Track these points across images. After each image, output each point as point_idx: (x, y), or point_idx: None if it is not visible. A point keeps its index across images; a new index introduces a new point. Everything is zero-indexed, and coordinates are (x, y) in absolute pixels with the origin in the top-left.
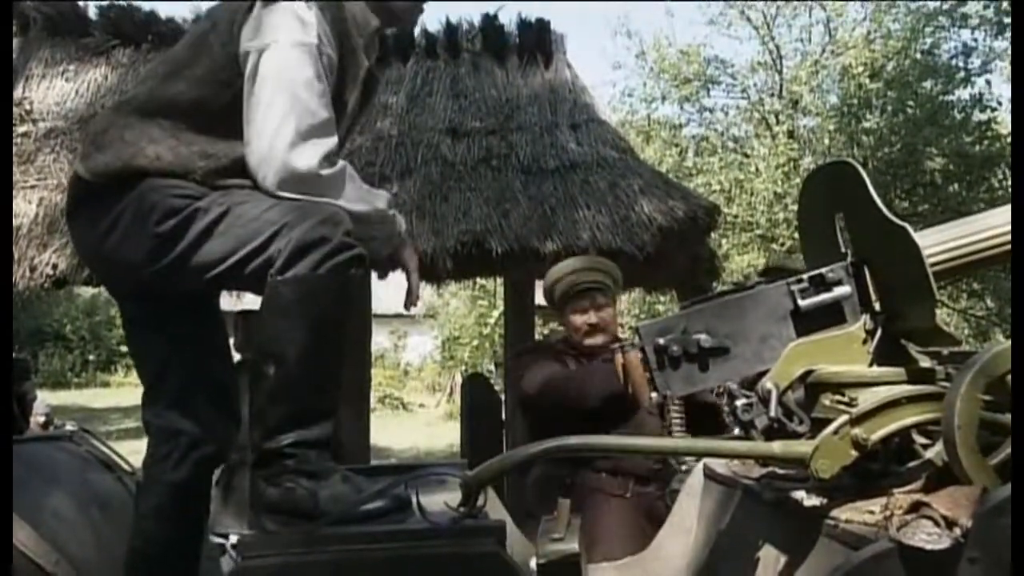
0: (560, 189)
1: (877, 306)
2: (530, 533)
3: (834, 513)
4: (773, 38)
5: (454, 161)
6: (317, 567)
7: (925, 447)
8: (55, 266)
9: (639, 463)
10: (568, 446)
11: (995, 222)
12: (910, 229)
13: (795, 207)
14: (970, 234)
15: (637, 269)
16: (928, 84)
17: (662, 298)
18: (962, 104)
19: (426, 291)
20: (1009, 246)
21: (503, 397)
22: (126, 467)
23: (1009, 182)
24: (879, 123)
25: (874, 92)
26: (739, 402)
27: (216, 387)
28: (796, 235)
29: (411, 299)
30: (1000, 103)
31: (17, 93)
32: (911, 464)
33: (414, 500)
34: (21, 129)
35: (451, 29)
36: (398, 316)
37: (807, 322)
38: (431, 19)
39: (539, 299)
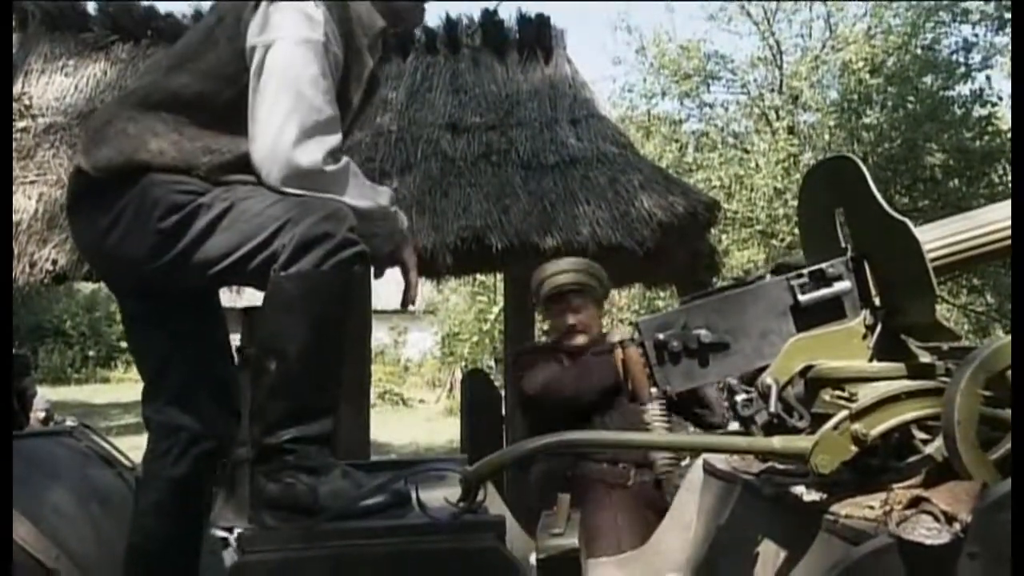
0: (560, 185)
1: (877, 301)
2: (532, 529)
3: (834, 508)
4: (773, 33)
5: (454, 156)
6: (317, 562)
7: (925, 442)
8: (55, 262)
9: (638, 452)
10: (567, 441)
11: (995, 217)
12: (910, 224)
13: (795, 203)
14: (970, 229)
15: (637, 265)
16: (928, 80)
17: (662, 294)
18: (962, 100)
19: (426, 287)
20: (1009, 241)
21: (503, 393)
22: (126, 463)
23: (1009, 177)
24: (879, 119)
25: (874, 88)
26: (739, 397)
27: (216, 383)
28: (796, 231)
29: (408, 297)
30: (1000, 99)
31: (16, 88)
32: (911, 459)
33: (414, 496)
34: (20, 124)
35: (451, 24)
36: (398, 312)
37: (807, 317)
38: (431, 15)
39: None
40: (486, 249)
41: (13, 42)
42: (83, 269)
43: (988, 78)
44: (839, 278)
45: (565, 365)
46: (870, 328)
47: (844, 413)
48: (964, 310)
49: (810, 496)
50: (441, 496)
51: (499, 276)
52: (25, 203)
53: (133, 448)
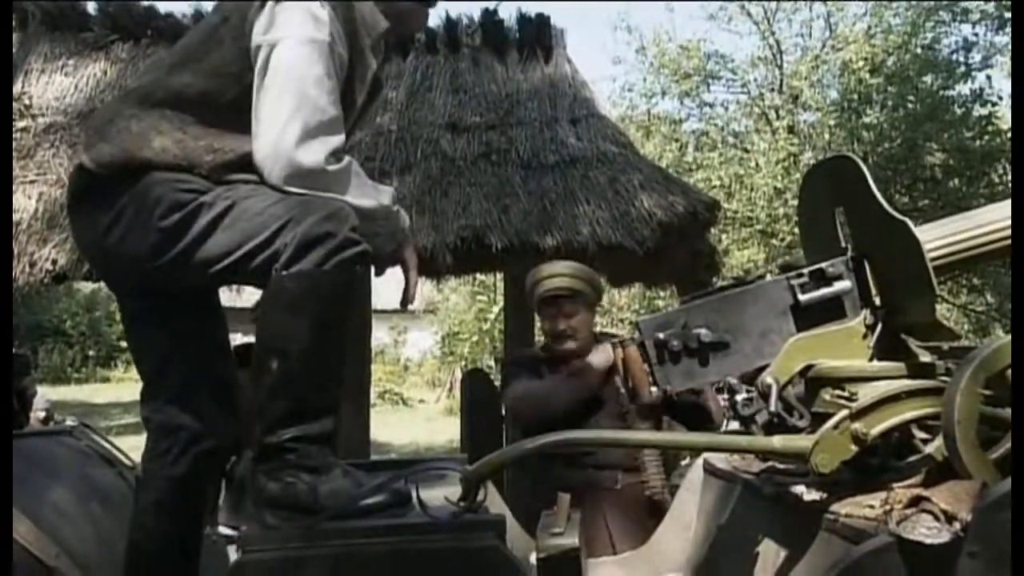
0: (560, 184)
1: (877, 301)
2: (532, 529)
3: (834, 507)
4: (773, 33)
5: (454, 156)
6: (317, 561)
7: (925, 442)
8: (55, 261)
9: (624, 456)
10: (567, 440)
11: (995, 217)
12: (910, 224)
13: (795, 202)
14: (970, 229)
15: (637, 264)
16: (928, 79)
17: (662, 293)
18: (962, 99)
19: (426, 286)
20: (1009, 241)
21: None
22: (126, 462)
23: (1009, 177)
24: (879, 118)
25: (874, 87)
26: (739, 397)
27: (216, 382)
28: (796, 230)
29: (407, 298)
30: (1001, 98)
31: (16, 88)
32: (911, 459)
33: (414, 495)
34: (20, 124)
35: (451, 24)
36: (398, 312)
37: (807, 317)
38: (431, 14)
39: None
40: (486, 249)
41: (13, 42)
42: (83, 269)
43: (988, 77)
44: (839, 277)
45: (544, 377)
46: (870, 327)
47: (844, 412)
48: (964, 309)
49: (810, 495)
50: (441, 495)
51: (499, 276)
52: (25, 203)
53: (133, 448)
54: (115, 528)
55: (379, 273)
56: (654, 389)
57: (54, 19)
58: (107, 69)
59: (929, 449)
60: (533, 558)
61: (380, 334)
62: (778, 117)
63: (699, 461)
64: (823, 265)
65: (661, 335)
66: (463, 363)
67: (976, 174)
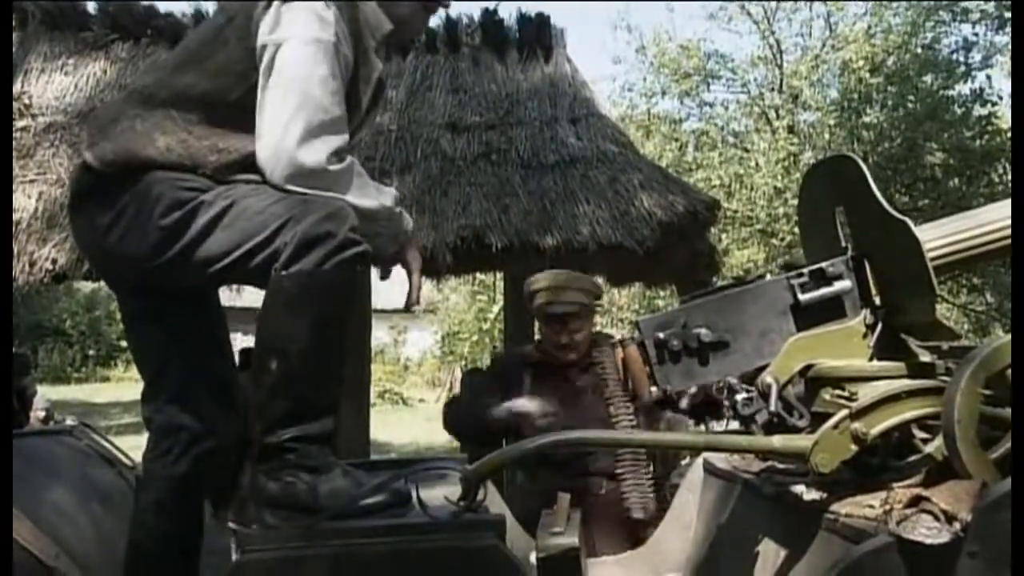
0: (560, 184)
1: (877, 300)
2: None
3: (834, 507)
4: (773, 32)
5: (454, 156)
6: (317, 561)
7: (925, 441)
8: (55, 261)
9: (606, 464)
10: (567, 439)
11: (995, 216)
12: (911, 223)
13: (795, 202)
14: (970, 228)
15: (637, 264)
16: (928, 79)
17: (662, 293)
18: (962, 99)
19: (426, 286)
20: (1009, 240)
21: None
22: (126, 462)
23: (1009, 177)
24: (879, 118)
25: (874, 87)
26: (739, 396)
27: (217, 382)
28: (796, 230)
29: (412, 299)
30: (1001, 98)
31: (16, 87)
32: (911, 458)
33: (414, 494)
34: (20, 124)
35: (451, 24)
36: (398, 311)
37: (807, 316)
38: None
39: None
40: (486, 248)
41: (13, 41)
42: (83, 268)
43: (988, 77)
44: (839, 277)
45: (524, 380)
46: (870, 327)
47: (844, 412)
48: (964, 309)
49: (810, 495)
50: (441, 495)
51: (499, 275)
52: (25, 202)
53: (133, 447)
54: (115, 528)
55: (383, 276)
56: (654, 388)
57: (54, 18)
58: (107, 68)
59: (929, 449)
60: (533, 557)
61: (380, 334)
62: (778, 117)
63: (699, 461)
64: (823, 265)
65: (661, 335)
66: (463, 363)
67: (976, 174)
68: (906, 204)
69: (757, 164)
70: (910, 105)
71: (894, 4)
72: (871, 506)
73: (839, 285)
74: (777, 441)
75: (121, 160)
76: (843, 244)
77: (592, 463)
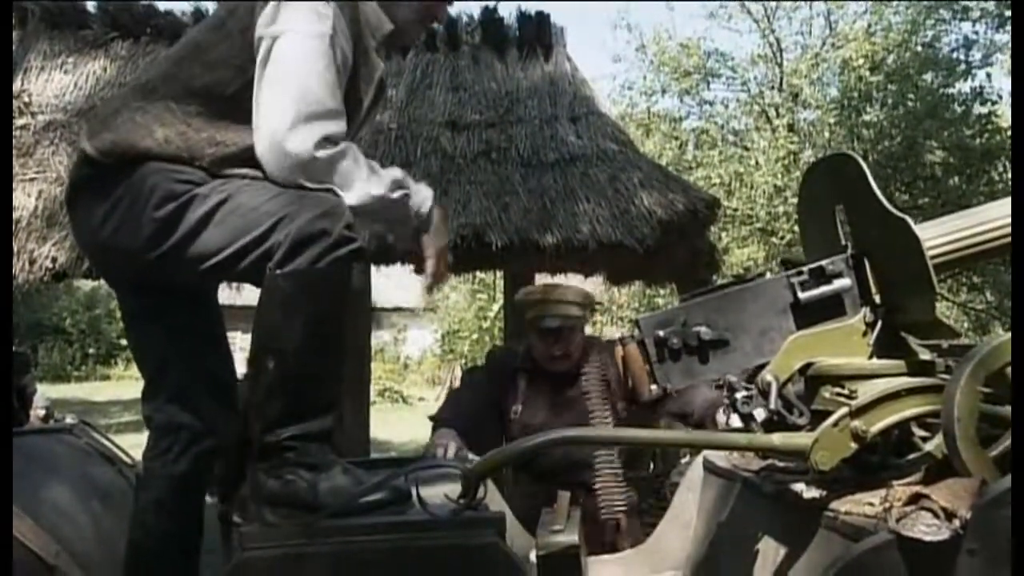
0: (560, 182)
1: (877, 299)
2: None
3: (834, 505)
4: (773, 31)
5: (453, 154)
6: (318, 559)
7: (924, 439)
8: (55, 259)
9: (589, 477)
10: (567, 438)
11: (995, 215)
12: (910, 221)
13: (795, 200)
14: (970, 227)
15: (637, 262)
16: (929, 77)
17: (662, 291)
18: (963, 97)
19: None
20: (1009, 239)
21: None
22: (126, 460)
23: (1009, 175)
24: (879, 116)
25: (874, 85)
26: (739, 394)
27: (216, 380)
28: (796, 228)
29: (431, 280)
30: (1001, 96)
31: (16, 86)
32: (910, 456)
33: (414, 492)
34: (20, 122)
35: (451, 22)
36: (398, 310)
37: (807, 314)
38: None
39: None
40: (486, 247)
41: (13, 39)
42: (83, 266)
43: (988, 75)
44: (839, 275)
45: (518, 383)
46: (870, 325)
47: (844, 410)
48: (964, 307)
49: (810, 493)
50: (441, 493)
51: (499, 274)
52: (25, 200)
53: (133, 446)
54: (115, 526)
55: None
56: (654, 387)
57: (54, 17)
58: (107, 67)
59: (929, 447)
60: (533, 556)
61: (380, 332)
62: (778, 115)
63: (699, 459)
64: (823, 263)
65: (661, 333)
66: (463, 361)
67: (976, 172)
68: (906, 202)
69: (757, 162)
70: (910, 103)
71: (894, 2)
72: (871, 504)
73: (839, 283)
74: (777, 439)
75: (119, 150)
76: (843, 242)
77: (574, 473)
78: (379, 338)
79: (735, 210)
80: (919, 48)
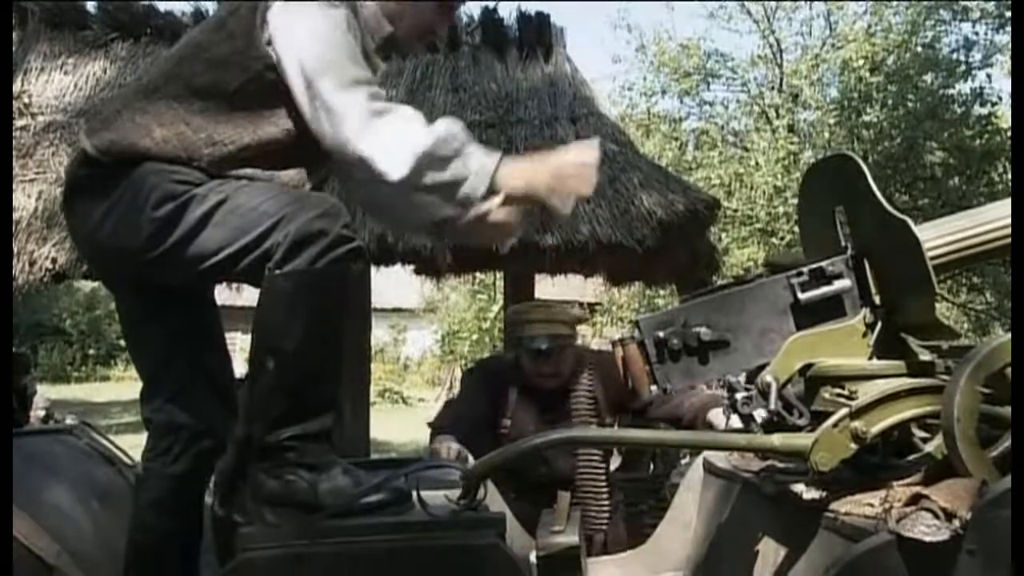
0: None
1: (877, 299)
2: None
3: (833, 506)
4: (773, 32)
5: None
6: (318, 559)
7: (924, 440)
8: (54, 260)
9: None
10: (568, 438)
11: (995, 215)
12: (910, 222)
13: (795, 201)
14: (970, 227)
15: (637, 263)
16: (929, 78)
17: (662, 292)
18: (963, 98)
19: (425, 285)
20: (1009, 239)
21: None
22: (126, 460)
23: (1009, 176)
24: (879, 117)
25: (874, 86)
26: (739, 395)
27: (215, 380)
28: (796, 229)
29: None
30: (1001, 97)
31: (16, 86)
32: (910, 457)
33: (414, 493)
34: (20, 123)
35: None
36: (397, 310)
37: (807, 315)
38: None
39: (539, 293)
40: (486, 247)
41: (13, 40)
42: (83, 267)
43: (988, 76)
44: (839, 276)
45: (509, 393)
46: (870, 326)
47: (844, 411)
48: (964, 308)
49: (810, 494)
50: (441, 493)
51: (499, 275)
52: (25, 201)
53: (133, 446)
54: (115, 526)
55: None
56: (654, 387)
57: (54, 17)
58: (106, 67)
59: (929, 447)
60: (533, 556)
61: (380, 332)
62: (778, 116)
63: (699, 460)
64: (823, 264)
65: (661, 333)
66: (463, 362)
67: (976, 173)
68: (906, 203)
69: (757, 163)
70: (910, 104)
71: (894, 3)
72: (871, 504)
73: (839, 284)
74: (777, 440)
75: (118, 149)
76: (843, 243)
77: (553, 490)
78: (379, 338)
79: (735, 211)
80: (919, 49)
